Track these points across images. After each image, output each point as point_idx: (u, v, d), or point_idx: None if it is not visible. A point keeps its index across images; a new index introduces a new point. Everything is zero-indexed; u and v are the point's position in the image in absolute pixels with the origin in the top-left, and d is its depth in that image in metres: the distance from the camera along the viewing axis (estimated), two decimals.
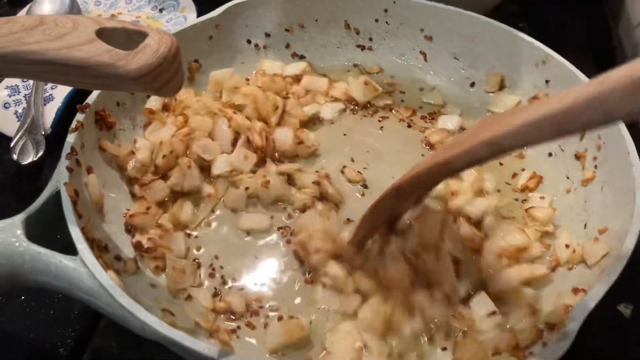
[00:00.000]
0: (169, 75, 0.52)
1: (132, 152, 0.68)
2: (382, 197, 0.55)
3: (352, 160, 0.74)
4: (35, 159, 0.76)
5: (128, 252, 0.62)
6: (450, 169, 0.49)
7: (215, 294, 0.60)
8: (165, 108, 0.75)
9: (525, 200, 0.70)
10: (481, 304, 0.57)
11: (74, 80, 0.53)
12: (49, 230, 0.57)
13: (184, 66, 0.77)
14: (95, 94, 0.66)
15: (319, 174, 0.70)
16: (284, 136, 0.72)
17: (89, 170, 0.63)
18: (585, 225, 0.63)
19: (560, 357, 0.45)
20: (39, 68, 0.52)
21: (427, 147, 0.76)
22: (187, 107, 0.73)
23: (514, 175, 0.73)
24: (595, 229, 0.61)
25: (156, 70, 0.51)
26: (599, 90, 0.36)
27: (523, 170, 0.73)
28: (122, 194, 0.67)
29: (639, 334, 0.64)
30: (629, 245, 0.52)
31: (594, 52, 0.99)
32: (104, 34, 0.53)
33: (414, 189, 0.54)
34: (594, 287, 0.49)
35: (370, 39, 0.85)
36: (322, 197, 0.68)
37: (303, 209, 0.67)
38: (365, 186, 0.71)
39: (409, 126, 0.79)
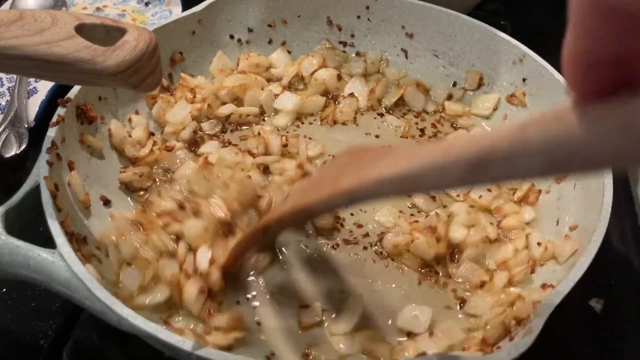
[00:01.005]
0: (147, 71, 0.53)
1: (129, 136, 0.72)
2: (250, 233, 0.59)
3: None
4: (18, 152, 0.76)
5: None
6: (311, 212, 0.53)
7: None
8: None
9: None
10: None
11: (53, 75, 0.54)
12: (29, 224, 0.57)
13: (167, 59, 0.78)
14: (76, 88, 0.66)
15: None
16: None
17: (71, 167, 0.63)
18: (557, 222, 0.64)
19: (525, 351, 0.46)
20: (17, 63, 0.53)
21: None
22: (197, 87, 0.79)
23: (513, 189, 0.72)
24: (567, 225, 0.62)
25: (134, 66, 0.52)
26: (443, 161, 0.36)
27: None
28: (102, 187, 0.67)
29: (610, 328, 0.65)
30: (596, 241, 0.54)
31: None
32: (83, 30, 0.54)
33: (279, 227, 0.58)
34: (561, 283, 0.51)
35: (352, 36, 0.86)
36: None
37: None
38: None
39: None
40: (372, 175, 0.43)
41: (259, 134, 0.74)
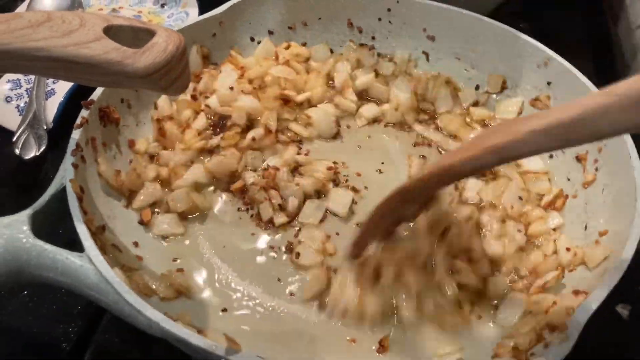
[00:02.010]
0: (176, 73, 0.52)
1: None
2: (387, 199, 0.56)
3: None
4: (37, 153, 0.76)
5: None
6: (456, 173, 0.50)
7: None
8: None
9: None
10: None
11: (80, 77, 0.53)
12: (54, 226, 0.57)
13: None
14: (99, 90, 0.66)
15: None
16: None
17: (95, 146, 0.64)
18: (585, 227, 0.64)
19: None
20: (45, 65, 0.52)
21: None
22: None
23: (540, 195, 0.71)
24: (596, 230, 0.61)
25: (164, 68, 0.51)
26: (607, 102, 0.36)
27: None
28: None
29: (637, 334, 0.64)
30: (630, 250, 0.53)
31: (594, 52, 1.00)
32: (111, 32, 0.53)
33: (419, 192, 0.54)
34: (596, 289, 0.50)
35: (373, 38, 0.85)
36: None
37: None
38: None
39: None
40: (525, 128, 0.42)
41: None
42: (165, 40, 0.52)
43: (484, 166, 0.49)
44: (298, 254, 0.64)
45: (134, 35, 0.54)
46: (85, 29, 0.52)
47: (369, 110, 0.81)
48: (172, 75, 0.52)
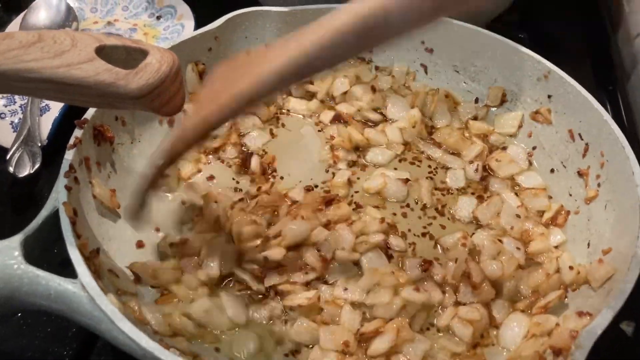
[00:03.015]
0: (170, 94, 0.52)
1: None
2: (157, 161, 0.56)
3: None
4: (32, 171, 0.74)
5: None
6: (211, 125, 0.52)
7: None
8: None
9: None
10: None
11: (73, 98, 0.53)
12: (47, 248, 0.56)
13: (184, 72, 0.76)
14: (93, 108, 0.65)
15: None
16: None
17: (88, 166, 0.63)
18: (588, 245, 0.63)
19: None
20: (37, 86, 0.51)
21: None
22: None
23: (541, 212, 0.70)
24: (599, 248, 0.60)
25: (157, 89, 0.50)
26: (335, 32, 0.47)
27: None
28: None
29: None
30: (635, 269, 0.52)
31: (593, 62, 0.99)
32: (104, 52, 0.52)
33: (183, 149, 0.55)
34: (601, 312, 0.49)
35: (371, 51, 0.84)
36: None
37: None
38: None
39: None
40: (268, 68, 0.47)
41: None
42: (159, 61, 0.51)
43: (236, 112, 0.52)
44: None
45: (127, 54, 0.53)
46: (77, 49, 0.51)
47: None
48: (166, 96, 0.51)
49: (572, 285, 0.59)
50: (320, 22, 0.49)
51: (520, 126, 0.77)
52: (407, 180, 0.72)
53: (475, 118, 0.79)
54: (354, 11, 0.47)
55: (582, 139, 0.69)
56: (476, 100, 0.80)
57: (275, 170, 0.74)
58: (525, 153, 0.75)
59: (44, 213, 0.56)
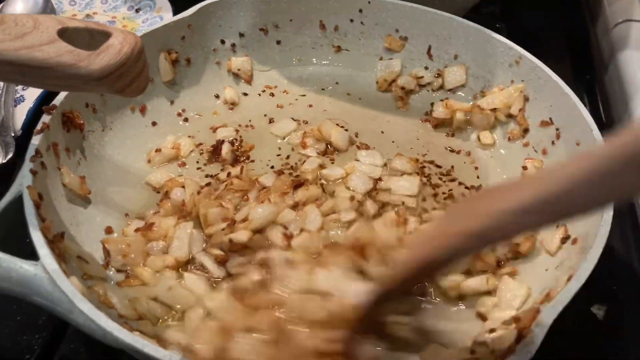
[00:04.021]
0: (132, 75, 0.52)
1: None
2: (357, 319, 0.47)
3: None
4: (4, 161, 0.75)
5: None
6: (436, 264, 0.43)
7: None
8: None
9: None
10: None
11: (35, 81, 0.52)
12: (12, 235, 0.55)
13: (156, 65, 0.76)
14: (62, 95, 0.65)
15: None
16: None
17: (56, 152, 0.62)
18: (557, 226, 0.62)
19: None
20: None
21: None
22: None
23: None
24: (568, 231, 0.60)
25: (119, 70, 0.50)
26: (595, 167, 0.32)
27: None
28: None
29: (613, 335, 0.64)
30: (597, 248, 0.52)
31: (572, 52, 1.00)
32: (66, 34, 0.52)
33: (398, 293, 0.48)
34: (562, 291, 0.49)
35: (345, 40, 0.84)
36: None
37: None
38: None
39: None
40: (509, 205, 0.37)
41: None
42: (121, 42, 0.51)
43: (467, 251, 0.44)
44: None
45: (90, 37, 0.53)
46: (39, 31, 0.51)
47: None
48: (128, 78, 0.51)
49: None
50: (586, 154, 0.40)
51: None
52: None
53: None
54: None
55: (552, 123, 0.69)
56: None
57: (248, 158, 0.74)
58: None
59: (8, 197, 0.56)
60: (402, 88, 0.82)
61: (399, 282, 0.46)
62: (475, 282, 0.59)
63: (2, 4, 0.93)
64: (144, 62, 0.53)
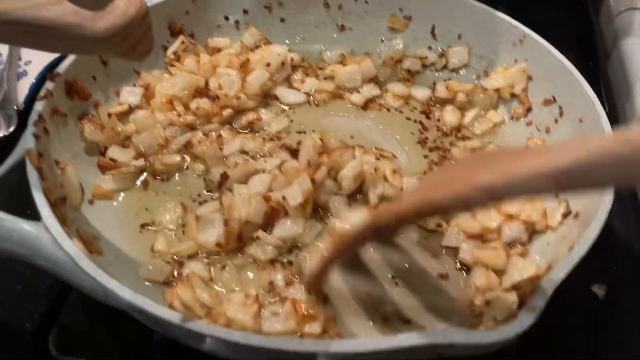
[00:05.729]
0: (137, 37, 0.52)
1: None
2: (357, 233, 0.51)
3: None
4: (6, 133, 0.74)
5: None
6: (439, 209, 0.45)
7: None
8: None
9: None
10: None
11: (40, 42, 0.52)
12: (13, 196, 0.55)
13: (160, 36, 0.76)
14: (66, 63, 0.65)
15: None
16: None
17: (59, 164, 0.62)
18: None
19: (528, 333, 0.44)
20: (4, 29, 0.51)
21: None
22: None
23: None
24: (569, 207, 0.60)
25: (124, 32, 0.50)
26: (616, 149, 0.33)
27: None
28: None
29: (613, 314, 0.64)
30: (599, 220, 0.52)
31: (575, 40, 0.99)
32: None
33: (394, 226, 0.50)
34: (563, 260, 0.49)
35: (349, 19, 0.84)
36: None
37: None
38: None
39: None
40: (521, 169, 0.38)
41: None
42: (126, 4, 0.51)
43: (472, 205, 0.46)
44: None
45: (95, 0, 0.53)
46: None
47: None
48: (132, 40, 0.51)
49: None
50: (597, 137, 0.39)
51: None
52: None
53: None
54: None
55: (555, 101, 0.69)
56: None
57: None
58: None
59: (10, 161, 0.56)
60: (408, 71, 0.82)
61: (404, 215, 0.47)
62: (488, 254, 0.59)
63: None
64: (149, 26, 0.53)
